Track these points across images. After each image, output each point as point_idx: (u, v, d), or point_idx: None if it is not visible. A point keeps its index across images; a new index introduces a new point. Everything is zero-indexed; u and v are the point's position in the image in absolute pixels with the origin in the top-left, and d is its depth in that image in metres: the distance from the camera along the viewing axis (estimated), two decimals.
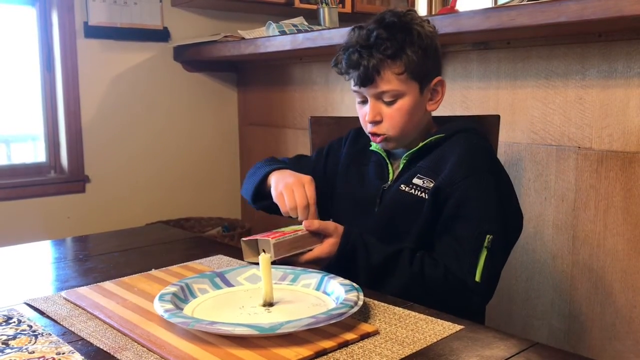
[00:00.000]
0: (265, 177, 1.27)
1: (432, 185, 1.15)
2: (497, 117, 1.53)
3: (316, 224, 1.08)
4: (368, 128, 1.22)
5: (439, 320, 0.86)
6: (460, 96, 1.97)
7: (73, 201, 2.55)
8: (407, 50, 1.14)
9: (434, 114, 1.29)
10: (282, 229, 1.11)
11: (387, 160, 1.27)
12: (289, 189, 1.15)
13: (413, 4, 3.65)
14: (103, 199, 2.61)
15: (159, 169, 2.76)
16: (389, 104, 1.17)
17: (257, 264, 0.93)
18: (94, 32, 2.52)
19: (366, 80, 1.15)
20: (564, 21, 1.41)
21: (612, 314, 1.68)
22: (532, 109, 1.83)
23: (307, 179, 1.17)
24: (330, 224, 1.10)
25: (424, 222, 1.14)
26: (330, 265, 1.07)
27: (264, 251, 1.05)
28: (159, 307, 0.82)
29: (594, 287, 1.71)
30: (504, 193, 1.19)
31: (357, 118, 1.67)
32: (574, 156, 1.73)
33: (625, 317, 1.65)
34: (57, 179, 2.54)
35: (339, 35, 1.99)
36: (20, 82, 2.52)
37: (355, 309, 0.82)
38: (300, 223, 1.11)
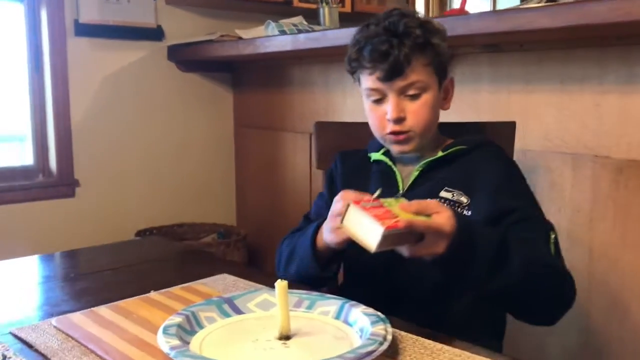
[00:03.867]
0: (314, 243, 1.08)
1: (465, 200, 1.08)
2: (513, 124, 1.45)
3: (415, 204, 0.89)
4: (389, 128, 1.11)
5: (475, 356, 0.77)
6: (470, 100, 1.89)
7: (62, 206, 2.44)
8: (433, 40, 1.09)
9: (444, 115, 1.22)
10: (389, 202, 0.91)
11: (394, 168, 1.18)
12: (331, 218, 1.00)
13: (413, 4, 3.57)
14: (93, 204, 2.50)
15: (152, 172, 2.66)
16: (414, 98, 1.10)
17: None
18: (85, 30, 2.41)
19: (396, 71, 1.07)
20: (589, 24, 1.33)
21: (630, 331, 1.60)
22: (546, 115, 1.75)
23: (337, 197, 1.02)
24: (430, 201, 0.91)
25: None
26: (454, 243, 0.89)
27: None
28: (164, 344, 0.73)
29: (611, 303, 1.63)
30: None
31: (364, 124, 1.59)
32: (590, 165, 1.65)
33: None
34: (46, 182, 2.42)
35: (345, 36, 1.89)
36: (7, 81, 2.41)
37: (385, 345, 0.73)
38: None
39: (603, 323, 1.65)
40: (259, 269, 2.74)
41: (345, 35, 1.92)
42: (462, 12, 1.96)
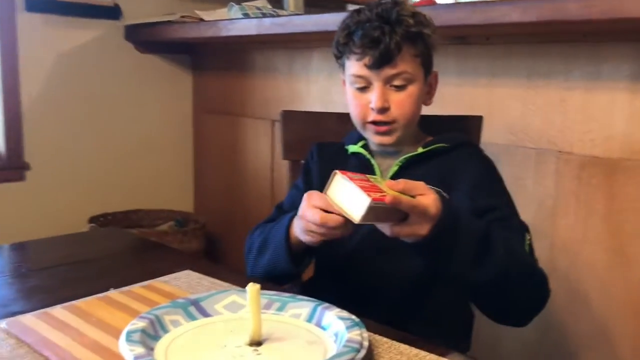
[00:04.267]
0: (287, 236, 1.04)
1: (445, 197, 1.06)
2: (480, 118, 1.44)
3: (402, 182, 0.86)
4: (371, 116, 1.09)
5: None
6: (436, 93, 1.87)
7: (11, 190, 2.32)
8: (425, 31, 1.07)
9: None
10: (375, 178, 0.89)
11: (373, 161, 1.16)
12: (301, 219, 0.97)
13: None
14: (44, 188, 2.39)
15: (106, 156, 2.56)
16: (399, 89, 1.08)
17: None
18: (37, 5, 2.28)
19: (386, 59, 1.04)
20: (562, 20, 1.33)
21: (588, 324, 1.63)
22: (511, 109, 1.75)
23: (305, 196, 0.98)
24: (418, 182, 0.88)
25: None
26: (438, 226, 0.86)
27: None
28: (128, 352, 0.68)
29: (570, 297, 1.65)
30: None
31: (332, 114, 1.56)
32: (554, 160, 1.66)
33: (600, 327, 1.60)
34: None
35: (312, 23, 1.86)
36: None
37: (363, 352, 0.70)
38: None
39: (561, 317, 1.67)
40: (218, 259, 2.68)
41: (312, 22, 1.88)
42: (430, 2, 1.94)
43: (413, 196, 0.86)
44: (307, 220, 0.94)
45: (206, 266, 1.10)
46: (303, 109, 2.14)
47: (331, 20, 1.82)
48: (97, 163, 2.53)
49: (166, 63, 2.70)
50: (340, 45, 1.11)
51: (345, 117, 1.50)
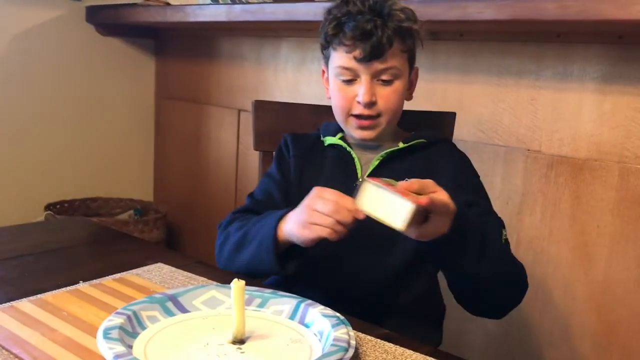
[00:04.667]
0: (275, 233, 0.98)
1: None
2: (453, 115, 1.45)
3: (416, 182, 0.83)
4: (357, 110, 1.08)
5: None
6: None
7: None
8: (414, 27, 1.06)
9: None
10: (390, 181, 0.85)
11: (353, 154, 1.14)
12: (306, 211, 0.92)
13: None
14: None
15: (64, 142, 2.46)
16: (386, 84, 1.07)
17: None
18: None
19: (377, 53, 1.03)
20: (540, 19, 1.33)
21: (551, 321, 1.66)
22: (481, 107, 1.76)
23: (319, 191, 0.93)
24: (428, 180, 0.86)
25: None
26: (456, 220, 0.86)
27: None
28: (107, 350, 0.65)
29: (534, 293, 1.68)
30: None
31: (304, 106, 1.53)
32: (522, 159, 1.68)
33: (563, 324, 1.63)
34: None
35: (284, 12, 1.83)
36: None
37: (351, 351, 0.68)
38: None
39: (525, 313, 1.70)
40: (178, 250, 2.63)
41: (283, 11, 1.84)
42: None
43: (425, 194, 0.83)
44: (315, 210, 0.90)
45: (178, 259, 1.06)
46: (270, 99, 2.10)
47: (303, 10, 1.79)
48: (54, 148, 2.43)
49: (128, 47, 2.62)
50: (328, 35, 1.08)
51: (318, 109, 1.48)
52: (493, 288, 0.97)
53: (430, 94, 1.83)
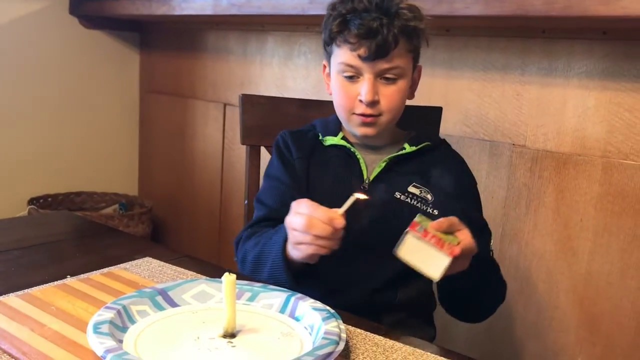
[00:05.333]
0: (282, 255, 0.95)
1: (430, 197, 1.09)
2: (439, 109, 1.46)
3: (445, 222, 0.87)
4: (359, 109, 1.06)
5: (429, 354, 0.75)
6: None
7: None
8: (420, 26, 1.05)
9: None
10: (423, 219, 0.89)
11: (358, 155, 1.12)
12: (291, 232, 0.89)
13: None
14: None
15: (47, 136, 2.44)
16: (390, 83, 1.05)
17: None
18: None
19: (382, 52, 1.01)
20: (527, 15, 1.34)
21: (534, 313, 1.68)
22: (467, 101, 1.77)
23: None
24: (453, 218, 0.89)
25: None
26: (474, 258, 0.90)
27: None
28: (98, 345, 0.64)
29: (518, 286, 1.70)
30: None
31: (292, 100, 1.53)
32: (507, 153, 1.70)
33: (546, 317, 1.65)
34: None
35: (270, 5, 1.82)
36: None
37: (342, 345, 0.69)
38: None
39: (509, 306, 1.72)
40: (163, 244, 2.62)
41: (270, 5, 1.84)
42: None
43: (452, 232, 0.87)
44: (293, 229, 0.87)
45: (166, 253, 1.06)
46: (256, 93, 2.10)
47: (289, 4, 1.78)
48: (36, 142, 2.41)
49: (113, 40, 2.60)
50: (332, 32, 1.05)
51: (306, 103, 1.48)
52: (476, 300, 1.03)
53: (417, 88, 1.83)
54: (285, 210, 0.99)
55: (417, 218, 0.89)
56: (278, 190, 1.11)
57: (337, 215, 0.85)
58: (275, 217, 1.04)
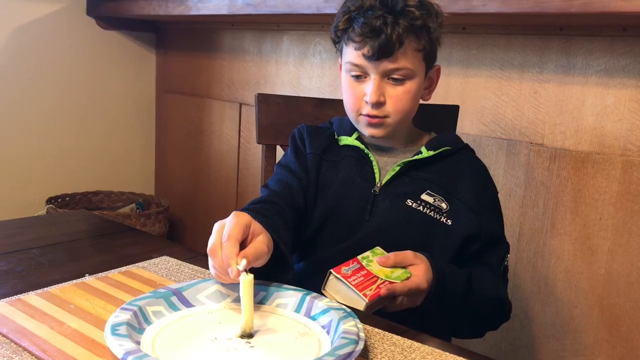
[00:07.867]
0: None
1: (445, 206, 1.06)
2: (456, 108, 1.45)
3: (392, 258, 0.91)
4: (365, 110, 1.04)
5: (447, 354, 0.75)
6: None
7: None
8: (430, 24, 1.01)
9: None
10: (365, 257, 0.93)
11: (371, 157, 1.10)
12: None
13: None
14: (1, 167, 2.29)
15: (65, 136, 2.46)
16: (397, 83, 1.03)
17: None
18: None
19: (386, 51, 0.98)
20: (544, 12, 1.33)
21: (553, 313, 1.66)
22: (484, 100, 1.75)
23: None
24: (406, 253, 0.93)
25: (449, 247, 1.04)
26: (430, 297, 0.92)
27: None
28: (117, 347, 0.64)
29: (536, 286, 1.68)
30: None
31: (308, 99, 1.53)
32: (525, 152, 1.68)
33: (565, 316, 1.64)
34: None
35: (285, 4, 1.82)
36: None
37: (361, 344, 0.68)
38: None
39: (526, 305, 1.70)
40: (180, 244, 2.63)
41: (285, 4, 1.84)
42: None
43: (405, 267, 0.91)
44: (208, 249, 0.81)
45: (184, 252, 1.06)
46: (272, 92, 2.10)
47: (304, 3, 1.78)
48: (54, 142, 2.43)
49: (129, 40, 2.61)
50: (339, 30, 1.04)
51: (322, 103, 1.48)
52: (469, 326, 1.04)
53: None
54: (286, 194, 1.03)
55: (368, 252, 0.93)
56: (283, 176, 1.11)
57: (234, 266, 0.75)
58: (273, 201, 1.02)
